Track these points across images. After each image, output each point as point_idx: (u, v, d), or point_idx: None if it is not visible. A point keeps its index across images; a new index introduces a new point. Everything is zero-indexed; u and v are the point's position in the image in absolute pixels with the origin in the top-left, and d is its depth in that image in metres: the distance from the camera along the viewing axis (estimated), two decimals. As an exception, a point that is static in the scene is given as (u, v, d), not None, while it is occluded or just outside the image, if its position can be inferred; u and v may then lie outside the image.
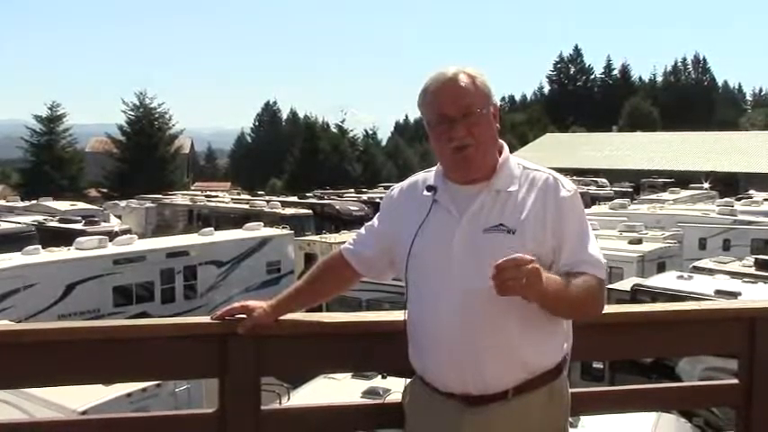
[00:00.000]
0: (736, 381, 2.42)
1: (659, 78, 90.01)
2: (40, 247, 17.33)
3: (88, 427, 2.30)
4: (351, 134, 66.71)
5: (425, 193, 2.20)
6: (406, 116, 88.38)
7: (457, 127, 2.11)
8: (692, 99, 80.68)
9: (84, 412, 7.32)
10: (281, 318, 2.28)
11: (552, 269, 2.07)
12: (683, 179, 41.86)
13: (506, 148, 2.23)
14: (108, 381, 2.27)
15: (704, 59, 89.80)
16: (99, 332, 2.09)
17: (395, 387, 7.89)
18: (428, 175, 2.27)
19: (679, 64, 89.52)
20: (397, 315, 2.25)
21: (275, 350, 2.21)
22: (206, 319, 2.23)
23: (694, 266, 14.84)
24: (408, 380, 2.25)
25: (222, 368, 2.13)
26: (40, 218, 26.56)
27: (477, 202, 2.12)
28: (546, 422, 2.12)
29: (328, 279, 2.40)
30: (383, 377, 7.69)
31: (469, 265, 2.07)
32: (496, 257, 1.94)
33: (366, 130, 70.10)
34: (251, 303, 2.27)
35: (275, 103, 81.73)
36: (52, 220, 25.96)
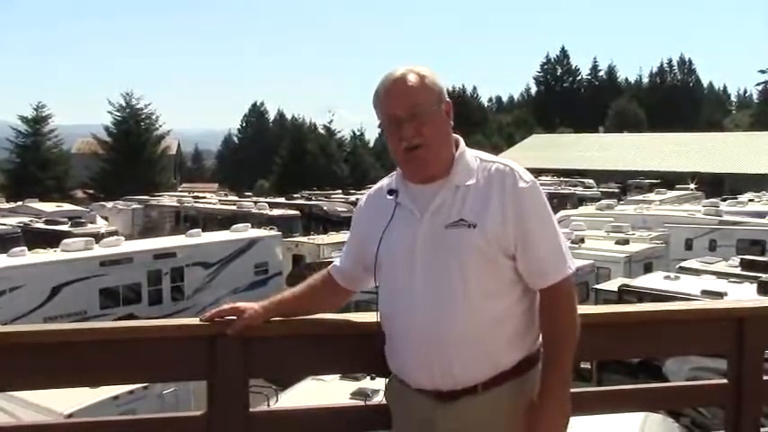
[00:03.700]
0: (725, 381, 2.43)
1: (645, 79, 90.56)
2: (25, 248, 17.23)
3: (75, 431, 2.28)
4: (338, 135, 66.77)
5: (388, 197, 2.23)
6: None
7: (405, 126, 2.12)
8: (677, 100, 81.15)
9: (69, 415, 7.29)
10: (271, 321, 2.26)
11: (517, 263, 2.11)
12: (669, 180, 42.11)
13: (462, 142, 2.24)
14: (94, 383, 2.24)
15: (689, 61, 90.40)
16: (86, 334, 2.07)
17: (383, 388, 7.91)
18: (391, 180, 2.30)
19: (665, 65, 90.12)
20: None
21: (263, 351, 2.19)
22: (193, 320, 2.22)
23: (681, 267, 14.91)
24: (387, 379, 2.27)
25: (210, 370, 2.11)
26: (25, 219, 26.42)
27: (437, 199, 2.13)
28: (518, 415, 2.11)
29: (319, 293, 2.40)
30: (372, 378, 7.68)
31: (434, 262, 2.09)
32: (460, 253, 2.05)
33: (353, 131, 70.20)
34: (241, 305, 2.26)
35: (262, 104, 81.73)
36: (38, 222, 25.83)
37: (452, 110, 2.20)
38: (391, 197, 2.22)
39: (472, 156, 2.20)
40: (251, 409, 2.19)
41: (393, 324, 2.17)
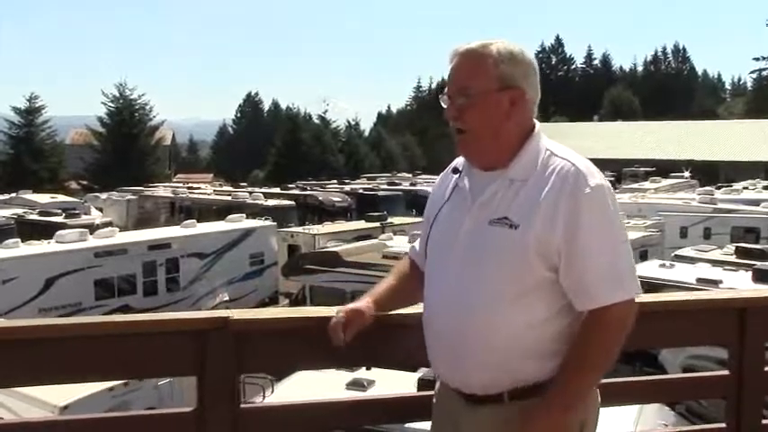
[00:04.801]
0: (726, 372, 2.40)
1: (640, 68, 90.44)
2: (19, 240, 17.15)
3: (65, 428, 2.24)
4: (333, 125, 66.56)
5: (452, 174, 2.11)
6: (389, 107, 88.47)
7: (449, 106, 2.00)
8: (672, 88, 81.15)
9: (65, 407, 7.26)
10: (261, 316, 2.22)
11: (560, 277, 1.91)
12: (664, 168, 42.14)
13: (537, 132, 2.01)
14: (81, 380, 2.18)
15: (684, 49, 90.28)
16: (72, 329, 2.02)
17: (379, 379, 7.91)
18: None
19: (659, 53, 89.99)
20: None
21: (255, 347, 2.14)
22: (183, 314, 2.18)
23: (676, 255, 14.95)
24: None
25: (200, 366, 2.07)
26: (19, 211, 26.33)
27: (489, 190, 1.96)
28: None
29: (409, 279, 2.25)
30: (367, 368, 7.67)
31: (469, 257, 1.96)
32: (494, 253, 1.89)
33: (348, 121, 70.00)
34: (358, 307, 2.13)
35: (257, 94, 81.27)
36: (32, 213, 25.72)
37: (525, 98, 1.99)
38: (455, 176, 2.09)
39: (543, 149, 1.98)
40: (242, 405, 2.15)
41: (425, 313, 2.08)
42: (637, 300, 1.92)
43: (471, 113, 1.96)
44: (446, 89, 2.01)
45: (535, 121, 2.04)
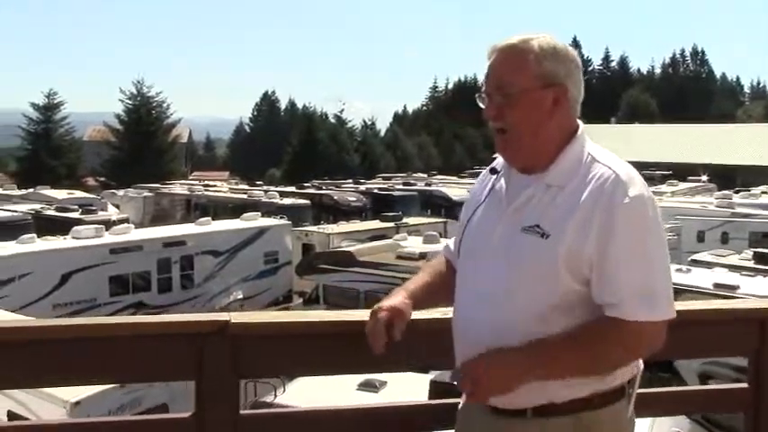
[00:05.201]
0: (745, 385, 2.33)
1: (657, 70, 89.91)
2: (35, 235, 17.26)
3: (65, 431, 2.21)
4: (349, 124, 66.75)
5: (490, 175, 2.01)
6: (405, 107, 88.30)
7: (489, 105, 1.89)
8: (690, 91, 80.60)
9: (77, 403, 7.30)
10: (261, 320, 2.17)
11: (591, 290, 1.80)
12: (681, 171, 41.83)
13: (580, 135, 1.91)
14: (78, 383, 2.15)
15: (702, 51, 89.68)
16: (66, 331, 1.98)
17: (391, 380, 7.86)
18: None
19: (677, 56, 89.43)
20: None
21: (253, 352, 2.08)
22: (181, 317, 2.13)
23: (693, 259, 14.83)
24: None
25: (198, 370, 2.01)
26: (37, 206, 26.52)
27: (525, 194, 1.86)
28: None
29: (444, 277, 2.15)
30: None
31: (497, 265, 1.85)
32: (522, 264, 1.80)
33: (364, 121, 70.16)
34: (395, 304, 2.01)
35: (274, 92, 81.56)
36: (49, 209, 25.92)
37: (568, 96, 1.88)
38: (492, 176, 1.99)
39: (585, 153, 1.86)
40: (241, 411, 2.10)
41: (454, 316, 1.99)
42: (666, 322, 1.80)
43: (512, 112, 1.86)
44: (483, 87, 1.91)
45: (579, 122, 1.94)
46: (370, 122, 69.87)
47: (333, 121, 65.27)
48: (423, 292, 2.09)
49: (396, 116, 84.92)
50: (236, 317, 2.05)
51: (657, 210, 1.83)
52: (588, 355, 1.79)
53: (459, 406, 2.09)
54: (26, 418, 7.41)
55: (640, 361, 1.95)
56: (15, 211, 24.56)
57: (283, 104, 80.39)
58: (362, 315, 2.06)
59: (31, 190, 32.89)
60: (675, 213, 21.32)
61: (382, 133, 71.25)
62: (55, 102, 53.85)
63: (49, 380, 2.07)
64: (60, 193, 31.11)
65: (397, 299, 2.03)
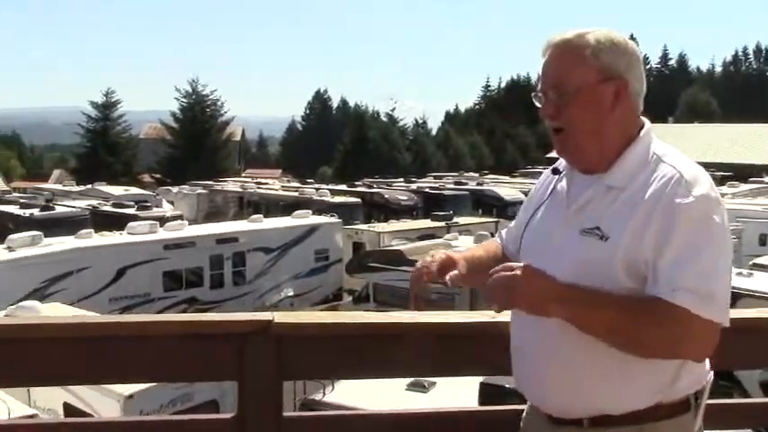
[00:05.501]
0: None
1: (718, 69, 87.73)
2: (92, 230, 17.63)
3: (110, 429, 2.20)
4: (400, 123, 66.70)
5: (552, 176, 1.95)
6: (456, 106, 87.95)
7: (545, 103, 1.81)
8: (752, 90, 78.42)
9: (130, 396, 7.39)
10: (305, 320, 2.13)
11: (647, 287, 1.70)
12: (742, 173, 40.71)
13: (645, 132, 1.82)
14: (121, 380, 2.14)
15: (766, 49, 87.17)
16: (111, 328, 1.97)
17: (440, 380, 7.77)
18: None
19: (740, 54, 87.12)
20: (431, 316, 2.09)
21: (297, 352, 2.04)
22: (223, 316, 2.10)
23: (754, 263, 14.40)
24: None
25: (240, 370, 1.99)
26: (94, 202, 27.14)
27: (584, 196, 1.80)
28: None
29: (496, 258, 2.06)
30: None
31: (558, 267, 1.73)
32: (583, 266, 1.71)
33: (416, 119, 70.06)
34: (452, 255, 1.99)
35: (326, 91, 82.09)
36: (106, 205, 26.50)
37: (629, 90, 1.79)
38: (554, 177, 1.93)
39: (650, 152, 1.78)
40: (284, 413, 2.05)
41: (511, 319, 1.93)
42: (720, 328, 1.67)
43: (570, 110, 1.77)
44: (539, 85, 1.84)
45: (644, 119, 1.85)
46: (421, 121, 69.83)
47: (384, 119, 65.34)
48: (474, 264, 2.01)
49: (447, 115, 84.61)
50: (279, 317, 2.01)
51: (724, 213, 1.72)
52: (629, 322, 1.65)
53: (523, 415, 2.01)
54: (82, 411, 7.55)
55: (710, 373, 1.84)
56: (74, 207, 25.15)
57: (335, 103, 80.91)
58: (408, 318, 2.00)
59: (89, 186, 33.70)
60: (736, 216, 20.69)
61: (434, 132, 71.04)
62: (112, 100, 55.08)
63: (86, 377, 2.06)
64: (117, 190, 31.82)
65: (454, 254, 2.00)
